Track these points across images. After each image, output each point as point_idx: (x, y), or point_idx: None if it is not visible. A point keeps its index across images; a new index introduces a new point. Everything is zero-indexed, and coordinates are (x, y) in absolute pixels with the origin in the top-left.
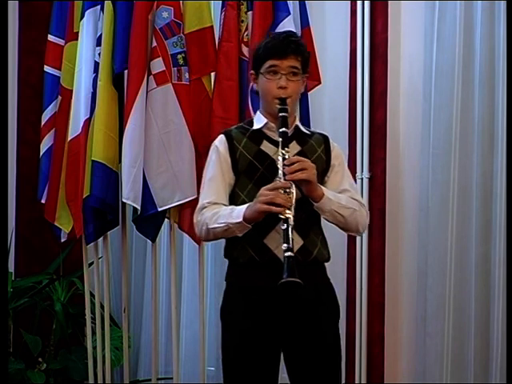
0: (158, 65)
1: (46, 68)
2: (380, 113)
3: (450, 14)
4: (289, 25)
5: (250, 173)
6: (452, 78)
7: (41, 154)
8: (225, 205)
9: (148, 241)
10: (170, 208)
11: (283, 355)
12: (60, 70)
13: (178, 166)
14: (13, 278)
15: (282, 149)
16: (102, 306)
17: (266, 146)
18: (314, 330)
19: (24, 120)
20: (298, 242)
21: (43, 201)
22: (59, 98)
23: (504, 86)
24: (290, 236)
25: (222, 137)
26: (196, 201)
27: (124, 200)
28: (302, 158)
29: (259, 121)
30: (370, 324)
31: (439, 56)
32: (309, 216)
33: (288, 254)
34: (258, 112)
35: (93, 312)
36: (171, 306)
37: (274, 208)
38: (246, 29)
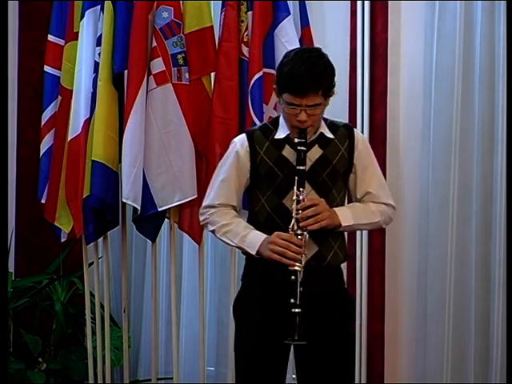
0: (158, 65)
1: (46, 68)
2: (380, 113)
3: (450, 14)
4: (289, 25)
5: (270, 179)
6: (452, 78)
7: (41, 154)
8: (233, 207)
9: (148, 241)
10: (170, 208)
11: (294, 356)
12: (60, 70)
13: (178, 165)
14: (13, 278)
15: (298, 189)
16: (102, 306)
17: (288, 152)
18: (326, 334)
19: (24, 120)
20: (313, 249)
21: (43, 201)
22: (59, 97)
23: (504, 85)
24: (298, 290)
25: (244, 138)
26: (196, 201)
27: (124, 200)
28: (316, 201)
29: (283, 129)
30: (370, 324)
31: (439, 56)
32: None
33: (295, 310)
34: (281, 117)
35: (93, 312)
36: (171, 306)
37: (284, 260)
38: (246, 29)
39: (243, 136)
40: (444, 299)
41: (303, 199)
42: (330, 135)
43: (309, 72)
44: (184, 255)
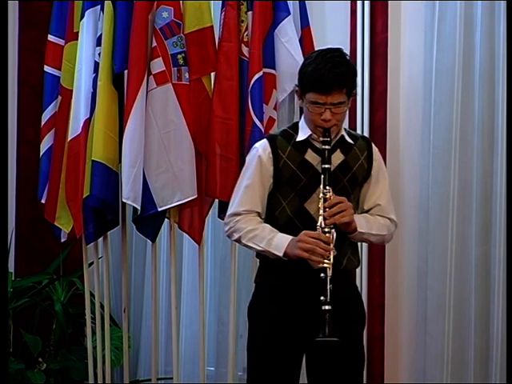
0: (157, 65)
1: (46, 68)
2: (380, 113)
3: (450, 14)
4: (289, 25)
5: (293, 183)
6: (452, 78)
7: (41, 154)
8: (258, 214)
9: (148, 241)
10: (170, 208)
11: (306, 356)
12: (60, 70)
13: (178, 165)
14: (13, 278)
15: (324, 187)
16: (102, 306)
17: (310, 155)
18: (345, 332)
19: (24, 120)
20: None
21: (43, 201)
22: (59, 97)
23: (504, 85)
24: (328, 288)
25: (265, 144)
26: (196, 201)
27: (124, 200)
28: (341, 199)
29: (303, 131)
30: (370, 324)
31: (439, 56)
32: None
33: (326, 307)
34: (302, 119)
35: (93, 312)
36: (171, 306)
37: (313, 257)
38: (246, 29)
39: (265, 141)
40: (444, 299)
41: (330, 197)
42: (350, 140)
43: (333, 70)
44: (184, 255)
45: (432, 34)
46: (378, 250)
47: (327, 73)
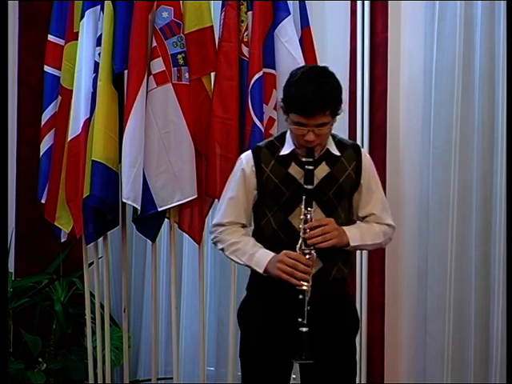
0: (157, 65)
1: (46, 68)
2: (380, 113)
3: (450, 14)
4: (289, 25)
5: (276, 196)
6: (452, 78)
7: (41, 154)
8: (243, 224)
9: (148, 241)
10: (170, 208)
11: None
12: (60, 70)
13: (178, 165)
14: (13, 278)
15: (305, 208)
16: (102, 306)
17: (294, 169)
18: (332, 342)
19: (24, 120)
20: (317, 265)
21: (43, 201)
22: (59, 97)
23: (504, 85)
24: (306, 309)
25: (249, 156)
26: (196, 201)
27: (124, 200)
28: (324, 221)
29: (288, 144)
30: (370, 324)
31: (439, 56)
32: None
33: (303, 329)
34: (288, 132)
35: (93, 312)
36: (171, 306)
37: (293, 280)
38: (246, 29)
39: (249, 154)
40: (444, 299)
41: (311, 218)
42: (336, 153)
43: (316, 93)
44: (184, 255)
45: (432, 34)
46: (377, 250)
47: (310, 96)
